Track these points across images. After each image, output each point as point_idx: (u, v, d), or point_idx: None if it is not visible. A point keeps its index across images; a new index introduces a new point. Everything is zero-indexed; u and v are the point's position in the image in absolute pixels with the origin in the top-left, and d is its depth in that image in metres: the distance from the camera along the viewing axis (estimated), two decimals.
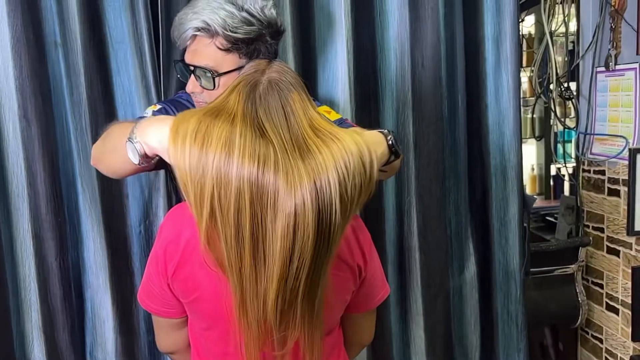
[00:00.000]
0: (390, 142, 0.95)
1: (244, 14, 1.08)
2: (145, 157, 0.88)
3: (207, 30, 1.09)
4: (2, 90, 1.42)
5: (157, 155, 0.88)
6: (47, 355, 1.51)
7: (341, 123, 1.20)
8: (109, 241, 1.52)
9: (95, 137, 1.38)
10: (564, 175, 2.30)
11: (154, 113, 1.19)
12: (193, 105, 1.22)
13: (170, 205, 1.53)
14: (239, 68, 1.09)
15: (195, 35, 1.11)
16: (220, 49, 1.09)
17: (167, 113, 1.20)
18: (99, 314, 1.55)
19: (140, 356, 1.60)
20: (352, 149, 0.76)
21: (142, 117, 1.12)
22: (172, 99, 1.31)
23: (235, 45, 1.09)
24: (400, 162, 1.13)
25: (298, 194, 0.73)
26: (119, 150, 0.93)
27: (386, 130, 0.97)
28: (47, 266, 1.50)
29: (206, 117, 0.76)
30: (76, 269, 1.55)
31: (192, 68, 1.13)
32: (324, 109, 1.27)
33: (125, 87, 1.50)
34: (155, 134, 0.84)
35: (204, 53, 1.11)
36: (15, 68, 1.42)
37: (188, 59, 1.14)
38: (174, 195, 1.51)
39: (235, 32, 1.07)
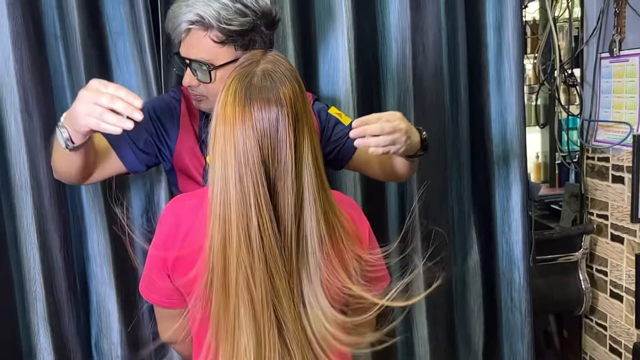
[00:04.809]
0: (424, 136, 1.08)
1: (238, 5, 1.06)
2: (71, 140, 0.94)
3: (202, 24, 1.07)
4: (4, 84, 1.42)
5: (88, 139, 0.96)
6: (52, 346, 1.53)
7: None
8: (112, 233, 1.52)
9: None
10: (569, 163, 2.28)
11: None
12: (176, 105, 1.22)
13: (171, 197, 1.53)
14: (235, 60, 1.08)
15: (190, 29, 1.08)
16: (215, 41, 1.08)
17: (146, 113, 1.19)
18: (104, 304, 1.56)
19: (145, 346, 1.61)
20: None
21: None
22: (157, 98, 1.30)
23: (230, 37, 1.08)
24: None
25: None
26: (57, 149, 1.01)
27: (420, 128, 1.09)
28: (51, 258, 1.51)
29: None
30: (80, 261, 1.55)
31: (187, 61, 1.12)
32: (334, 111, 1.29)
33: (125, 79, 1.49)
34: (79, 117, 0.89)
35: (199, 46, 1.09)
36: (16, 61, 1.41)
37: (183, 52, 1.12)
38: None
39: (229, 25, 1.06)
